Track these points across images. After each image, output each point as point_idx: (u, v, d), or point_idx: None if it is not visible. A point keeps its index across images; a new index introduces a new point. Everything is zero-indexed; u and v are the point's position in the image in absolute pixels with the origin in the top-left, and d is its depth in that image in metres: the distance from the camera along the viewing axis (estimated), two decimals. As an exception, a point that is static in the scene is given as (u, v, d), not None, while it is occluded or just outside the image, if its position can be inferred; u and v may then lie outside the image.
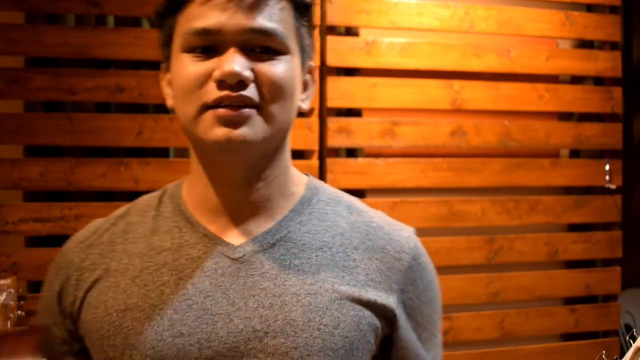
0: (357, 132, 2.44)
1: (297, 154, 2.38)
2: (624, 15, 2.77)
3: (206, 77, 0.82)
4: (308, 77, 0.93)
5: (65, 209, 2.19)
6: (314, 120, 2.38)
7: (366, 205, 0.98)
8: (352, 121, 2.45)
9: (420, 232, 1.02)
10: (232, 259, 0.86)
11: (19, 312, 1.86)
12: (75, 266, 0.92)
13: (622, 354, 0.86)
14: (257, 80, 0.82)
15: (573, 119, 2.73)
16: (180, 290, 0.85)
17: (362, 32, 2.50)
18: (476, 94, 2.57)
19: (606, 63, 2.70)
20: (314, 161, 2.38)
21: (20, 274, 2.13)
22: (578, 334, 2.68)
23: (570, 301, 2.68)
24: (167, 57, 0.89)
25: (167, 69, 0.90)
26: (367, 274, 0.88)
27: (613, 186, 2.68)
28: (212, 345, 0.82)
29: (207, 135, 0.82)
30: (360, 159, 2.46)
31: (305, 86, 0.92)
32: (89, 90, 2.22)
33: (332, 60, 2.40)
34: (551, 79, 2.69)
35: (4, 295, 1.82)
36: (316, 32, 2.37)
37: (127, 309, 0.86)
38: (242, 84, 0.81)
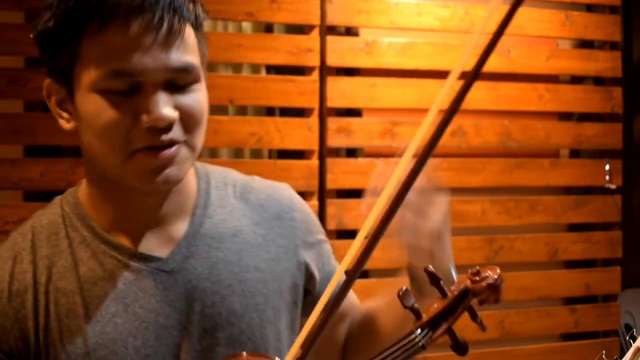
0: (357, 132, 2.44)
1: (297, 154, 2.38)
2: (624, 15, 2.77)
3: (130, 122, 0.79)
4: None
5: (65, 209, 2.19)
6: (314, 120, 2.38)
7: (238, 173, 1.01)
8: (352, 121, 2.45)
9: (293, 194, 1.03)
10: (167, 272, 0.88)
11: (19, 312, 1.86)
12: (12, 319, 0.85)
13: (622, 354, 0.86)
14: (180, 114, 0.82)
15: (573, 119, 2.73)
16: (131, 317, 0.85)
17: (362, 32, 2.50)
18: (476, 94, 2.56)
19: (606, 63, 2.70)
20: (314, 161, 2.38)
21: (20, 274, 2.13)
22: (578, 334, 2.68)
23: (570, 301, 2.68)
24: (64, 85, 0.84)
25: (67, 97, 0.85)
26: (275, 244, 0.95)
27: (613, 186, 2.68)
28: (180, 354, 0.87)
29: (141, 180, 0.82)
30: (360, 159, 2.46)
31: None
32: (89, 90, 2.22)
33: (332, 60, 2.40)
34: (551, 79, 2.69)
35: (4, 295, 1.82)
36: (316, 32, 2.40)
37: (90, 352, 0.84)
38: (170, 125, 0.81)
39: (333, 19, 2.41)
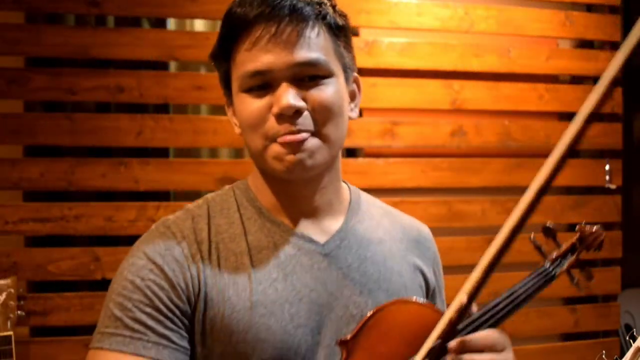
0: (357, 132, 2.44)
1: (297, 154, 2.38)
2: (624, 15, 2.77)
3: (266, 112, 0.94)
4: (354, 87, 1.05)
5: (65, 209, 2.19)
6: (314, 120, 2.38)
7: (382, 202, 1.18)
8: (352, 121, 2.44)
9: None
10: (323, 255, 1.00)
11: (19, 312, 1.86)
12: (190, 258, 0.95)
13: (622, 354, 0.86)
14: (310, 106, 0.94)
15: (573, 119, 2.72)
16: (289, 286, 0.96)
17: (362, 32, 2.50)
18: (476, 94, 2.57)
19: (606, 63, 2.70)
20: (314, 161, 2.37)
21: (20, 274, 2.13)
22: (578, 334, 2.68)
23: (570, 301, 2.68)
24: (229, 95, 1.01)
25: (231, 104, 1.02)
26: (414, 260, 1.10)
27: (613, 186, 2.68)
28: (321, 331, 0.96)
29: (276, 164, 0.95)
30: (360, 159, 2.46)
31: (352, 97, 1.05)
32: (89, 90, 2.22)
33: (332, 60, 2.40)
34: (551, 79, 2.69)
35: (4, 295, 1.82)
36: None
37: (252, 307, 0.94)
38: (298, 113, 0.93)
39: (333, 19, 2.41)
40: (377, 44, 2.47)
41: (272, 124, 0.93)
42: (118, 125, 2.24)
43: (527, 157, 2.63)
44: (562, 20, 2.65)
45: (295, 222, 1.01)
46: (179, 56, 2.29)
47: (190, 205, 1.04)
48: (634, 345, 0.84)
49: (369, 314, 0.93)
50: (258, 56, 0.92)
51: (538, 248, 1.03)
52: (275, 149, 0.94)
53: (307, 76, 0.94)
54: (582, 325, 2.66)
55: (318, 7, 0.96)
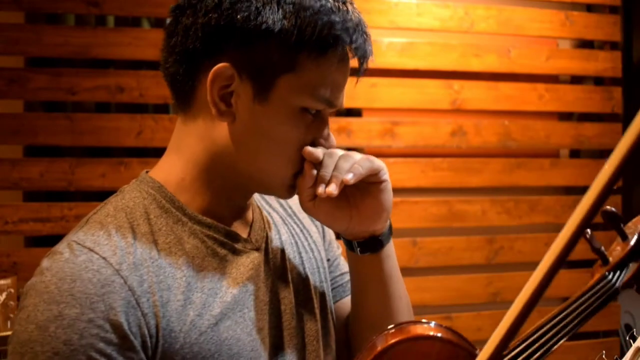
0: (357, 132, 2.44)
1: (297, 154, 2.38)
2: (624, 15, 2.77)
3: (310, 140, 0.88)
4: None
5: (65, 209, 2.19)
6: (314, 120, 2.38)
7: None
8: (352, 121, 2.45)
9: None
10: (256, 250, 0.92)
11: (19, 312, 1.86)
12: (137, 290, 0.78)
13: (622, 354, 0.86)
14: None
15: (573, 119, 2.73)
16: (242, 289, 0.88)
17: (362, 32, 2.50)
18: (476, 94, 2.57)
19: (606, 63, 2.70)
20: (314, 161, 2.38)
21: (20, 274, 2.13)
22: (578, 334, 2.66)
23: (570, 301, 2.68)
24: (260, 83, 0.83)
25: (240, 85, 0.83)
26: (309, 234, 1.06)
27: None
28: (279, 327, 0.92)
29: (284, 192, 0.90)
30: (360, 159, 2.45)
31: None
32: (89, 90, 2.22)
33: (332, 60, 2.40)
34: (551, 79, 2.69)
35: (4, 295, 1.82)
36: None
37: (217, 322, 0.83)
38: None
39: (333, 19, 2.41)
40: (377, 44, 2.47)
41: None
42: (118, 125, 2.24)
43: (527, 157, 2.63)
44: (562, 20, 2.65)
45: (222, 220, 0.90)
46: (179, 56, 2.29)
47: (97, 216, 0.85)
48: (634, 345, 0.84)
49: (378, 349, 0.79)
50: (336, 82, 0.87)
51: (596, 250, 0.80)
52: (291, 178, 0.89)
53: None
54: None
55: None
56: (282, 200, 1.05)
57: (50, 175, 2.19)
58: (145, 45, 2.26)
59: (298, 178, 0.88)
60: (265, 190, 0.92)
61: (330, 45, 0.83)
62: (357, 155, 0.91)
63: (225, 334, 0.83)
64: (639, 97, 2.94)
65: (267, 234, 0.96)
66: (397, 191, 2.55)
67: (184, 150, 0.88)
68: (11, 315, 1.83)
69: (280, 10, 0.80)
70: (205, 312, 0.82)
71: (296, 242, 1.01)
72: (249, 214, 0.95)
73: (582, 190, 2.71)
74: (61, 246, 0.81)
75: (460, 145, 2.55)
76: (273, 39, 0.80)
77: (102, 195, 2.27)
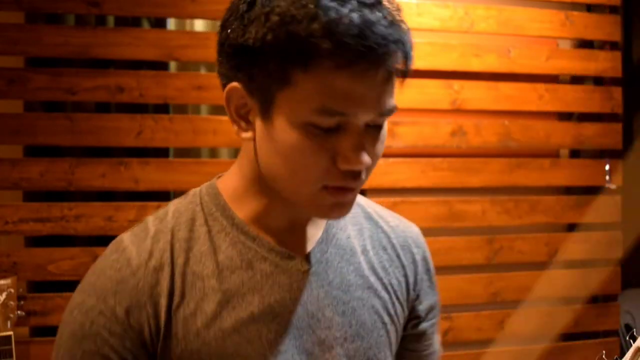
0: (357, 132, 2.44)
1: (297, 154, 2.38)
2: (624, 15, 2.77)
3: (328, 161, 0.79)
4: None
5: (65, 209, 2.19)
6: (314, 120, 2.38)
7: (368, 200, 1.06)
8: (352, 121, 2.45)
9: (420, 232, 1.09)
10: (303, 272, 0.89)
11: (19, 312, 1.86)
12: (147, 294, 0.84)
13: (622, 354, 0.86)
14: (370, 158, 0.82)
15: (573, 119, 2.73)
16: (267, 309, 0.86)
17: (362, 32, 2.50)
18: (476, 94, 2.57)
19: (606, 63, 2.70)
20: (314, 161, 2.37)
21: (20, 274, 2.13)
22: (578, 334, 2.68)
23: (570, 301, 2.68)
24: (262, 101, 0.80)
25: (248, 103, 0.82)
26: (398, 270, 1.00)
27: (613, 186, 2.68)
28: (301, 357, 0.87)
29: (318, 212, 0.86)
30: (360, 159, 2.45)
31: None
32: (89, 90, 2.22)
33: (332, 60, 2.40)
34: (551, 79, 2.69)
35: (4, 295, 1.82)
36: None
37: (225, 336, 0.84)
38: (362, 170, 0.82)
39: (333, 19, 2.40)
40: (377, 44, 2.47)
41: (333, 174, 0.80)
42: (118, 125, 2.24)
43: (527, 157, 2.63)
44: (562, 20, 2.65)
45: (272, 234, 0.89)
46: (179, 56, 2.29)
47: (151, 217, 0.90)
48: (634, 345, 0.84)
49: None
50: (347, 94, 0.77)
51: None
52: (323, 198, 0.82)
53: (378, 124, 0.83)
54: (582, 325, 2.66)
55: (409, 40, 0.82)
56: (389, 231, 1.03)
57: (50, 175, 2.19)
58: (145, 45, 2.26)
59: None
60: (301, 207, 0.86)
61: (313, 54, 0.74)
62: None
63: (231, 350, 0.84)
64: (639, 97, 2.94)
65: (328, 256, 0.92)
66: (397, 191, 2.56)
67: (240, 161, 0.91)
68: (11, 315, 1.83)
69: (268, 23, 0.76)
70: (214, 324, 0.84)
71: (378, 279, 0.96)
72: (311, 230, 0.92)
73: (582, 190, 2.71)
74: (118, 237, 0.89)
75: (460, 145, 2.55)
76: (262, 55, 0.77)
77: (102, 195, 2.29)
